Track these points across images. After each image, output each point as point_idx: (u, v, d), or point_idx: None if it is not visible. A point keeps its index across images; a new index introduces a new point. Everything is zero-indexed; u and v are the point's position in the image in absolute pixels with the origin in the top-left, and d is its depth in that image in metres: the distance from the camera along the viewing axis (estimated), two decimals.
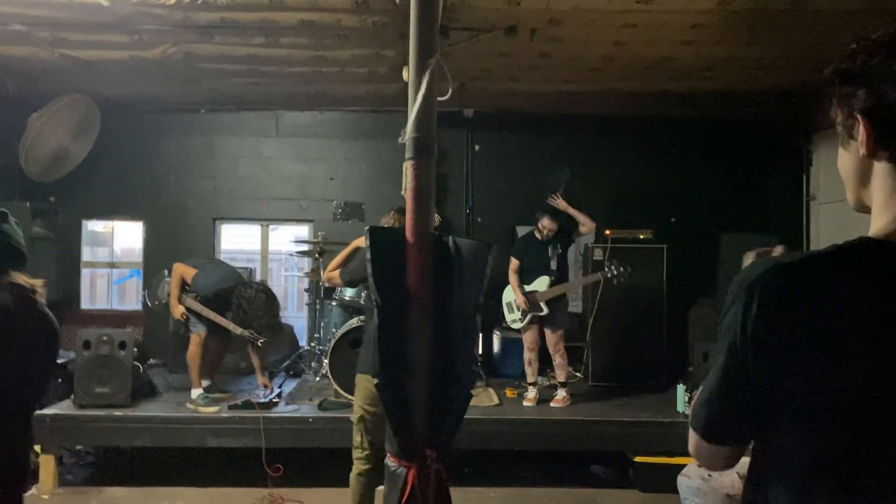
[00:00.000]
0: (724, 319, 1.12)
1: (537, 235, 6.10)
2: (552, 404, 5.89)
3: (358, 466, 4.15)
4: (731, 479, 5.19)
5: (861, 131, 1.08)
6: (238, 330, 5.66)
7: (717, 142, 8.06)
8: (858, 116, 1.08)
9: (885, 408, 1.01)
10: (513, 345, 7.43)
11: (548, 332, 6.01)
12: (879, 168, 1.09)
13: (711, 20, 5.11)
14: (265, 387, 5.81)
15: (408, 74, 5.39)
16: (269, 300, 5.76)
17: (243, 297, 5.65)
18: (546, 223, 6.02)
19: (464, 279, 3.29)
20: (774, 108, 7.24)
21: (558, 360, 6.01)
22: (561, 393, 5.96)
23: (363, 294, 6.65)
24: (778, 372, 1.05)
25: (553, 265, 6.01)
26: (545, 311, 5.95)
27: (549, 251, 6.02)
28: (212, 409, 5.44)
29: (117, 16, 5.00)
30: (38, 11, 4.96)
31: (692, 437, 1.20)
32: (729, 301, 1.11)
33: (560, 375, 6.03)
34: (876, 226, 1.10)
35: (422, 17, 3.26)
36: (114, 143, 7.69)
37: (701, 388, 1.20)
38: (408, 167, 3.27)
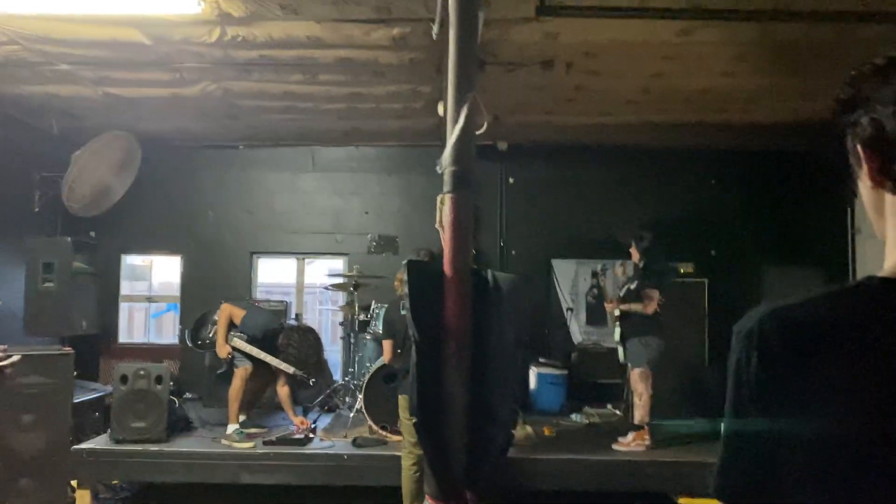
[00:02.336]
0: (729, 374, 1.03)
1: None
2: (613, 446, 5.64)
3: (405, 461, 4.86)
4: None
5: (863, 162, 1.01)
6: (291, 369, 5.76)
7: (758, 174, 7.92)
8: (859, 147, 1.01)
9: (887, 469, 0.89)
10: (549, 381, 7.31)
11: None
12: (889, 200, 1.01)
13: (754, 51, 5.03)
14: (302, 424, 5.78)
15: (443, 109, 5.39)
16: (316, 340, 6.01)
17: (292, 338, 5.84)
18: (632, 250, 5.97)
19: (503, 314, 3.22)
20: (817, 139, 7.08)
21: (634, 398, 5.75)
22: (628, 437, 5.66)
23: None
24: (778, 428, 0.95)
25: (619, 292, 5.95)
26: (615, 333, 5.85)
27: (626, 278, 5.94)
28: (247, 445, 5.40)
29: (159, 54, 5.10)
30: (83, 51, 5.07)
31: None
32: (731, 352, 1.03)
33: (635, 416, 5.73)
34: (887, 262, 1.00)
35: (461, 52, 3.25)
36: (153, 178, 7.81)
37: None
38: (445, 200, 3.23)
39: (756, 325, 0.98)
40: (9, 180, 6.68)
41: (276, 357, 5.76)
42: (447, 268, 3.21)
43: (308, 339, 5.90)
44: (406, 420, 4.77)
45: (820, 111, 6.33)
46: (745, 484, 1.04)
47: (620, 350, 5.92)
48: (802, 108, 6.30)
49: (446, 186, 3.24)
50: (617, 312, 5.78)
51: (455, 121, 3.23)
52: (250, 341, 5.74)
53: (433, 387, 3.12)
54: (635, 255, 5.95)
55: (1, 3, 4.26)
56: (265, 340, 5.78)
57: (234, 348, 5.75)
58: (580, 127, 7.11)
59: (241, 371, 5.74)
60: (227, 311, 5.79)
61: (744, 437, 1.01)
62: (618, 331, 5.82)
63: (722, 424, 1.05)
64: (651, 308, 5.59)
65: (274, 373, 5.95)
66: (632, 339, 5.72)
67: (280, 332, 5.86)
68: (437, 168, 3.35)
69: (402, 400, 4.85)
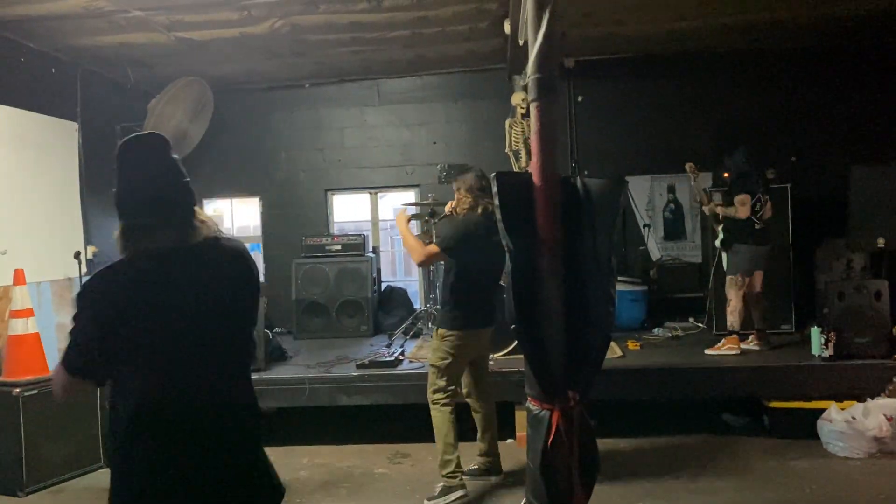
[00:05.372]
0: None
1: None
2: (706, 351, 5.86)
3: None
4: (878, 421, 4.94)
5: None
6: None
7: (839, 73, 7.52)
8: None
9: None
10: (629, 298, 7.28)
11: None
12: None
13: None
14: None
15: (509, 27, 5.29)
16: None
17: None
18: None
19: (595, 219, 3.22)
20: None
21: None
22: (721, 342, 5.85)
23: None
24: None
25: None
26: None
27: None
28: None
29: None
30: None
31: None
32: None
33: (728, 323, 5.99)
34: None
35: None
36: (226, 122, 7.99)
37: None
38: (532, 108, 3.22)
39: None
40: (93, 134, 6.90)
41: None
42: (535, 177, 3.22)
43: None
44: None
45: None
46: None
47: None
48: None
49: (531, 94, 3.22)
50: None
51: (537, 27, 3.19)
52: None
53: (529, 294, 3.18)
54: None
55: None
56: None
57: None
58: (650, 36, 6.88)
59: None
60: None
61: None
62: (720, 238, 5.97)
63: None
64: (743, 213, 5.63)
65: None
66: (730, 249, 5.89)
67: None
68: (521, 80, 3.33)
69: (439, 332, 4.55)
